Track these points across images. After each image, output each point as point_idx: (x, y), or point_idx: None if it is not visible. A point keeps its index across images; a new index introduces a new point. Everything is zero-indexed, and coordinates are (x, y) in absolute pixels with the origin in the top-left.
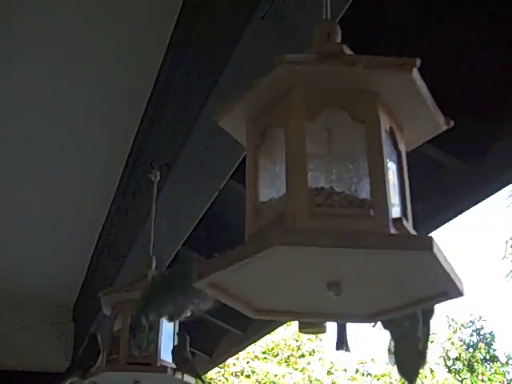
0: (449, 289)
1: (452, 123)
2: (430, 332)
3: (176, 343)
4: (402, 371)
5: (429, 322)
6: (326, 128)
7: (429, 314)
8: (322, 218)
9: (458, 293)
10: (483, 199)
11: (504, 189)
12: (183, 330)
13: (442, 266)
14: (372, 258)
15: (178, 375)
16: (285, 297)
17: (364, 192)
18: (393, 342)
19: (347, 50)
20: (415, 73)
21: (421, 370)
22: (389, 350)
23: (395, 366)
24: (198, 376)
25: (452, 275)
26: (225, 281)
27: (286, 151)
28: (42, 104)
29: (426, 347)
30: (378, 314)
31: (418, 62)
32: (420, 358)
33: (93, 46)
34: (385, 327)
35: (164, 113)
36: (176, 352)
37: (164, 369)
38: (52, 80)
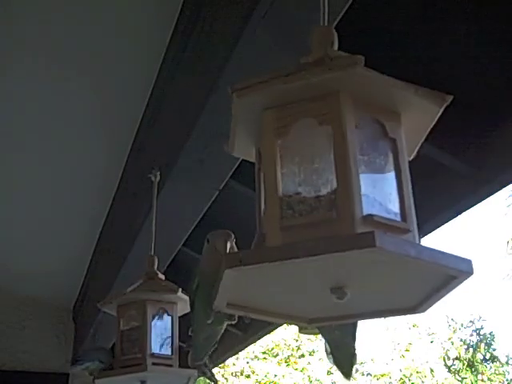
0: (450, 271)
1: (450, 97)
2: (357, 335)
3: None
4: (340, 368)
5: (355, 330)
6: (299, 140)
7: (355, 324)
8: (292, 230)
9: (463, 272)
10: (483, 199)
11: (504, 189)
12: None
13: (409, 256)
14: (351, 259)
15: (180, 369)
16: (302, 304)
17: (331, 193)
18: (327, 345)
19: (338, 55)
20: (359, 69)
21: (354, 366)
22: (326, 351)
23: (334, 365)
24: (213, 379)
25: (435, 258)
26: (238, 300)
27: (263, 172)
28: (42, 104)
29: (355, 349)
30: (400, 309)
31: (362, 59)
32: (352, 358)
33: (93, 46)
34: (320, 333)
35: (164, 113)
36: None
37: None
38: (52, 80)
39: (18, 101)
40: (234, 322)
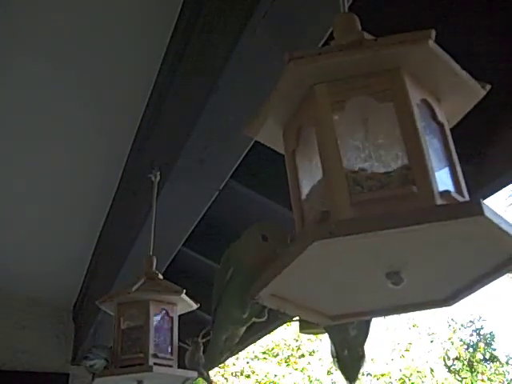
0: None
1: (489, 86)
2: (368, 337)
3: (190, 348)
4: (346, 373)
5: (369, 329)
6: (354, 114)
7: (369, 321)
8: (365, 206)
9: None
10: (483, 199)
11: (504, 189)
12: (195, 336)
13: (501, 229)
14: (425, 235)
15: (180, 370)
16: (351, 297)
17: (403, 168)
18: (334, 348)
19: (368, 37)
20: (431, 44)
21: (362, 369)
22: (332, 354)
23: (339, 369)
24: (208, 380)
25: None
26: (285, 289)
27: (319, 149)
28: (42, 104)
29: (364, 351)
30: (456, 294)
31: (433, 33)
32: (361, 361)
33: (93, 46)
34: (328, 334)
35: (164, 113)
36: (189, 356)
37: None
38: (52, 80)
39: (17, 101)
40: (263, 319)
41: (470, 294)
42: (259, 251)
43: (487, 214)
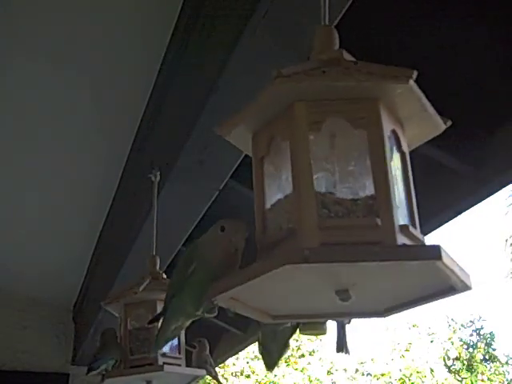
0: (457, 285)
1: (450, 122)
2: (296, 329)
3: (197, 348)
4: (266, 360)
5: (297, 325)
6: (328, 136)
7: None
8: (330, 231)
9: (466, 287)
10: (483, 199)
11: (504, 189)
12: (203, 336)
13: (451, 270)
14: (381, 268)
15: (188, 369)
16: (298, 304)
17: (369, 198)
18: (261, 336)
19: (347, 56)
20: (412, 83)
21: (281, 359)
22: (258, 341)
23: (261, 355)
24: (217, 378)
25: (461, 275)
26: (243, 295)
27: (291, 165)
28: (42, 104)
29: (288, 343)
30: (388, 310)
31: (415, 73)
32: (283, 351)
33: (93, 46)
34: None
35: (164, 113)
36: (197, 355)
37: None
38: (52, 80)
39: (18, 101)
40: (213, 315)
41: (406, 309)
42: (218, 243)
43: (444, 259)
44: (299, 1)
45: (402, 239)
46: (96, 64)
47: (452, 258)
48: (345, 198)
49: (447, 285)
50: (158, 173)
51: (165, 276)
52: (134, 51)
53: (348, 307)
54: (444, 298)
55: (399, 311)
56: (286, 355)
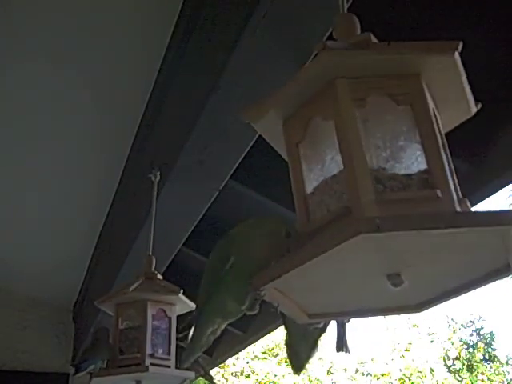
0: None
1: (480, 105)
2: (325, 333)
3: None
4: (294, 362)
5: (327, 326)
6: (373, 112)
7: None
8: (389, 205)
9: None
10: (483, 199)
11: (504, 189)
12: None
13: None
14: (451, 236)
15: (177, 370)
16: (338, 298)
17: (422, 172)
18: (288, 337)
19: (374, 39)
20: (457, 56)
21: (310, 360)
22: (285, 342)
23: (288, 357)
24: (206, 377)
25: None
26: (289, 284)
27: (339, 143)
28: (42, 104)
29: (318, 344)
30: (431, 300)
31: (460, 45)
32: (311, 352)
33: (93, 46)
34: (285, 324)
35: (164, 113)
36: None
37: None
38: (52, 80)
39: (17, 101)
40: (255, 312)
41: (444, 301)
42: (278, 247)
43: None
44: (299, 1)
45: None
46: (96, 64)
47: None
48: (398, 173)
49: (504, 262)
50: (158, 173)
51: (160, 276)
52: (134, 51)
53: (393, 300)
54: (495, 280)
55: (442, 301)
56: (314, 357)
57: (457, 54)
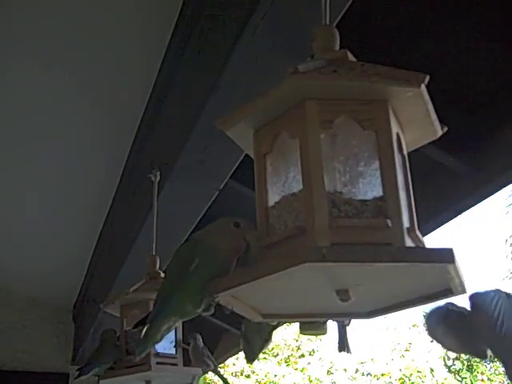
0: (456, 289)
1: (446, 129)
2: (279, 324)
3: (191, 344)
4: (248, 352)
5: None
6: (338, 136)
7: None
8: (341, 230)
9: (463, 291)
10: (483, 199)
11: (504, 189)
12: (193, 331)
13: (457, 274)
14: (394, 268)
15: (185, 368)
16: (291, 303)
17: (378, 199)
18: (244, 329)
19: (350, 57)
20: (423, 88)
21: (263, 351)
22: (241, 334)
23: (243, 348)
24: (216, 371)
25: (463, 279)
26: (245, 293)
27: (301, 162)
28: (42, 104)
29: (271, 337)
30: (380, 311)
31: (427, 78)
32: (264, 344)
33: (93, 46)
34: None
35: (164, 113)
36: (193, 351)
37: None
38: (52, 80)
39: (17, 101)
40: (210, 313)
41: (393, 312)
42: (232, 238)
43: (456, 263)
44: (299, 1)
45: (408, 241)
46: (96, 64)
47: (459, 262)
48: (354, 198)
49: (446, 287)
50: (158, 173)
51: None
52: (133, 51)
53: (344, 308)
54: (438, 300)
55: (391, 312)
56: (267, 349)
57: (423, 87)
